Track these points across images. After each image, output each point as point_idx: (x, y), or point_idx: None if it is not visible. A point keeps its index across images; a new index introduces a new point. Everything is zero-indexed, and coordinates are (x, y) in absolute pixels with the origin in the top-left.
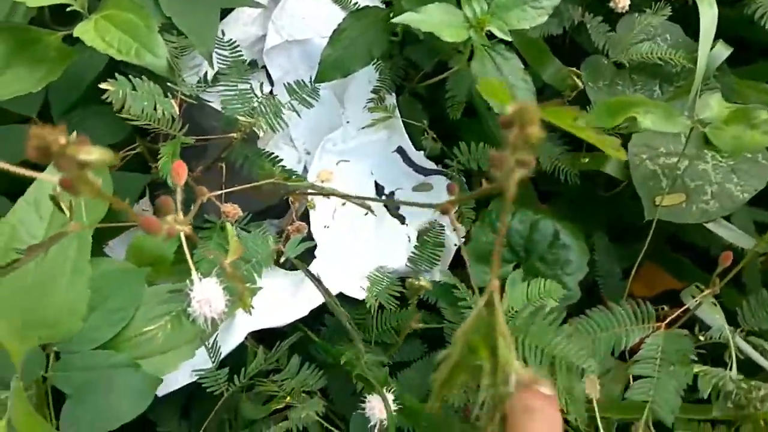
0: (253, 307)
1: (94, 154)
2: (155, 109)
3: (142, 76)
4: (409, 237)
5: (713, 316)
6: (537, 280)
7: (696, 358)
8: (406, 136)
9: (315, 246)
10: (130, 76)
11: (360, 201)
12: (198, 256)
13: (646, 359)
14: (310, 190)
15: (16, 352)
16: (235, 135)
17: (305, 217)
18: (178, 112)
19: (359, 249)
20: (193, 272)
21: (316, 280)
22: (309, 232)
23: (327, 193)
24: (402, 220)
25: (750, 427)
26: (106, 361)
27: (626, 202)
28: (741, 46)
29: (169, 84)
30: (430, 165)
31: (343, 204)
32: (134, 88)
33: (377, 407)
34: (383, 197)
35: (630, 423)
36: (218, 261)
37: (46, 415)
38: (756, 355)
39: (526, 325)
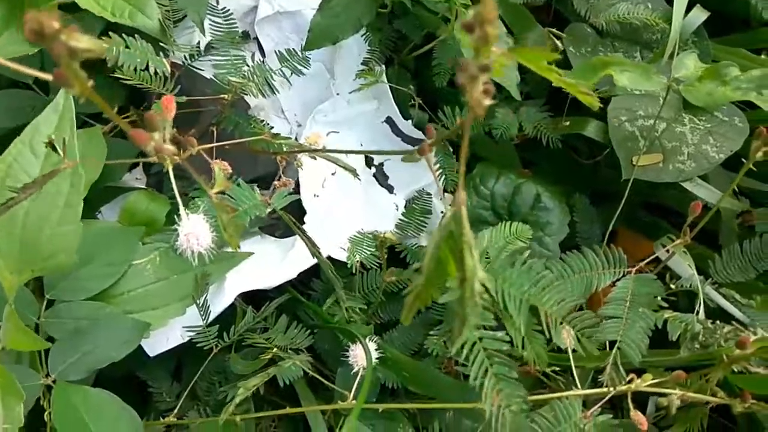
0: (239, 246)
1: (83, 42)
2: (148, 68)
3: (135, 35)
4: (397, 206)
5: (684, 265)
6: (504, 222)
7: (666, 305)
8: (395, 106)
9: (304, 214)
10: (123, 35)
11: (344, 163)
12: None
13: (616, 300)
14: (298, 149)
15: (10, 285)
16: (226, 96)
17: (295, 187)
18: (169, 70)
19: (348, 217)
20: (181, 208)
21: (300, 229)
22: (298, 202)
23: (314, 150)
24: (391, 189)
25: (717, 371)
26: (97, 311)
27: (606, 171)
28: (719, 20)
29: (161, 45)
30: (418, 135)
31: (333, 173)
32: (127, 46)
33: (360, 355)
34: (372, 168)
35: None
36: (205, 194)
37: (36, 359)
38: (725, 303)
39: (503, 269)
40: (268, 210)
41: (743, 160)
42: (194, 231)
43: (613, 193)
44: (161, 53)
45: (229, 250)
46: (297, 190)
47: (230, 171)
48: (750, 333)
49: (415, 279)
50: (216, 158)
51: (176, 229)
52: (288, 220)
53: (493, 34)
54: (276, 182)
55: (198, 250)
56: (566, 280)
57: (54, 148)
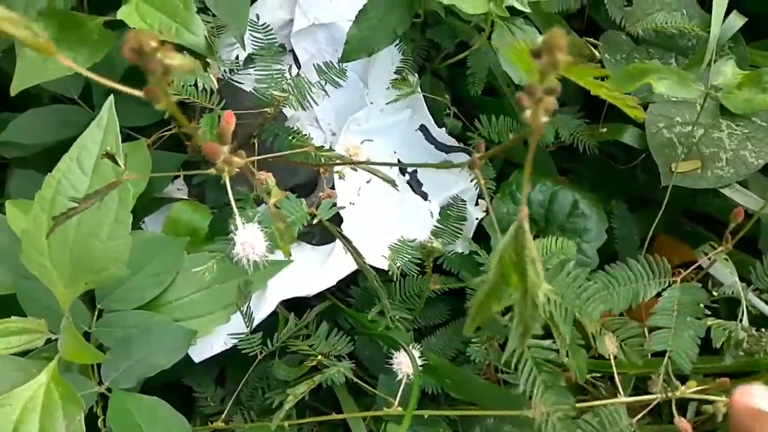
0: (290, 254)
1: (177, 59)
2: (196, 84)
3: (184, 52)
4: (431, 212)
5: (726, 272)
6: (550, 237)
7: (709, 313)
8: (429, 114)
9: (341, 221)
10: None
11: (383, 174)
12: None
13: (663, 311)
14: (338, 160)
15: (65, 298)
16: (268, 110)
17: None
18: (216, 86)
19: (383, 224)
20: (237, 217)
21: (344, 238)
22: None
23: (354, 163)
24: (425, 196)
25: (762, 379)
26: (146, 320)
27: (643, 176)
28: (754, 23)
29: (207, 60)
30: (452, 142)
31: (368, 181)
32: None
33: (404, 362)
34: (406, 175)
35: (647, 378)
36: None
37: (88, 368)
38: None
39: (549, 280)
40: (314, 221)
41: None
42: (250, 240)
43: (650, 199)
44: (207, 68)
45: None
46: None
47: (273, 181)
48: None
49: (478, 290)
50: (259, 170)
51: (232, 238)
52: (334, 230)
53: (562, 61)
54: (321, 194)
55: (253, 258)
56: (612, 291)
57: (114, 160)
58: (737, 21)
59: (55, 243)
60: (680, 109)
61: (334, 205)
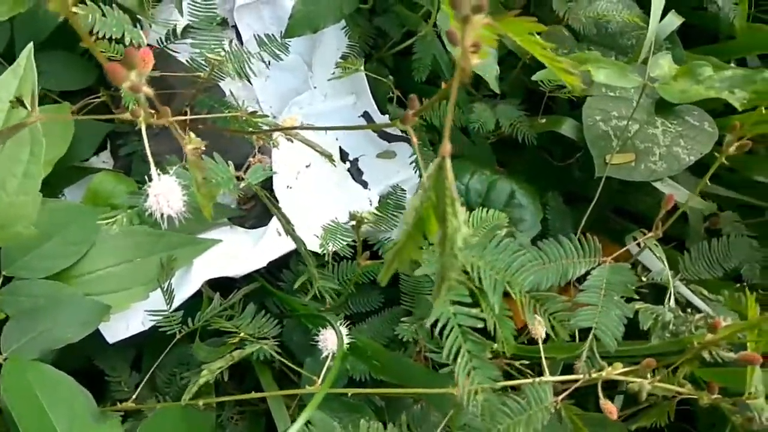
0: (212, 214)
1: None
2: (123, 40)
3: (114, 5)
4: (370, 201)
5: (654, 259)
6: (480, 209)
7: (638, 298)
8: (373, 101)
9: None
10: (100, 3)
11: (321, 149)
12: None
13: (591, 288)
14: (273, 128)
15: None
16: (201, 74)
17: (268, 180)
18: (146, 42)
19: (321, 209)
20: (152, 167)
21: (278, 209)
22: (273, 193)
23: (289, 128)
24: (365, 185)
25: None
26: (55, 291)
27: (579, 174)
28: (691, 32)
29: (139, 19)
30: (395, 130)
31: (308, 166)
32: (104, 15)
33: (330, 339)
34: (347, 162)
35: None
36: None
37: None
38: (693, 297)
39: (479, 248)
40: (242, 185)
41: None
42: (165, 192)
43: (586, 195)
44: (138, 26)
45: (200, 236)
46: (270, 180)
47: (204, 147)
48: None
49: (396, 238)
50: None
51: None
52: (263, 196)
53: None
54: (251, 159)
55: (168, 213)
56: (542, 267)
57: (22, 104)
58: (674, 20)
59: None
60: (617, 104)
61: (265, 170)
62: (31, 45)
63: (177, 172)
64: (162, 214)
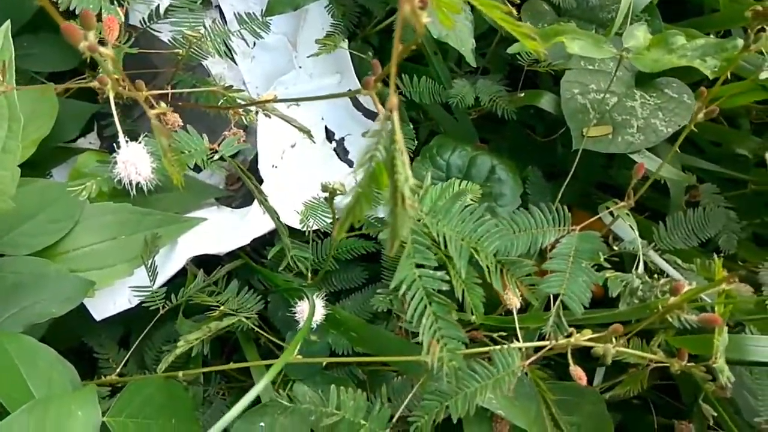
0: (183, 184)
1: None
2: (101, 17)
3: None
4: (356, 179)
5: (627, 228)
6: (453, 180)
7: (609, 266)
8: (357, 80)
9: (261, 183)
10: None
11: (299, 125)
12: None
13: (560, 255)
14: (250, 102)
15: None
16: (180, 51)
17: (255, 158)
18: (123, 19)
19: (305, 188)
20: (120, 134)
21: (258, 190)
22: (257, 173)
23: (263, 102)
24: (350, 164)
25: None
26: (40, 267)
27: (561, 150)
28: (675, 6)
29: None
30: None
31: (293, 146)
32: None
33: (306, 310)
34: (333, 142)
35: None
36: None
37: None
38: (666, 266)
39: (445, 212)
40: (216, 157)
41: (694, 130)
42: (132, 159)
43: (566, 171)
44: (116, 3)
45: (186, 215)
46: (256, 160)
47: (180, 123)
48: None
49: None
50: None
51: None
52: (234, 164)
53: None
54: (226, 132)
55: (137, 180)
56: (513, 236)
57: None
58: None
59: None
60: (595, 77)
61: (240, 143)
62: (8, 22)
63: (147, 140)
64: (131, 181)
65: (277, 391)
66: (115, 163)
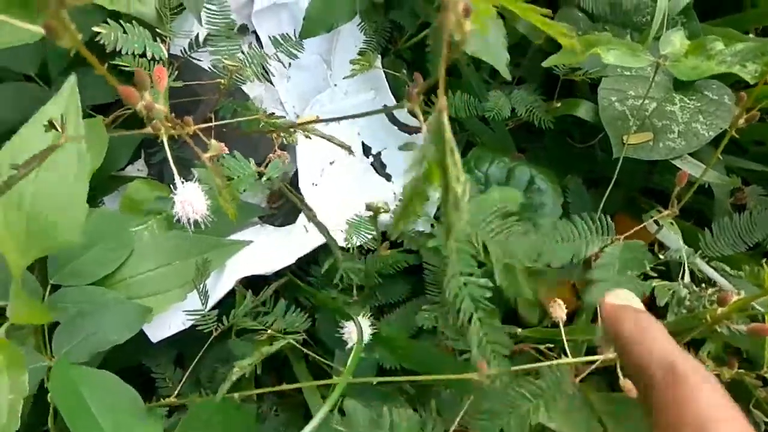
0: (235, 214)
1: None
2: (145, 54)
3: (133, 22)
4: (395, 193)
5: (672, 236)
6: (494, 187)
7: (655, 275)
8: (391, 95)
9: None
10: (121, 21)
11: (339, 141)
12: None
13: (604, 265)
14: (291, 125)
15: (17, 265)
16: (222, 81)
17: (294, 176)
18: (166, 55)
19: (346, 204)
20: (176, 175)
21: (305, 204)
22: (297, 189)
23: (309, 123)
24: (388, 178)
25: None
26: (100, 296)
27: (601, 155)
28: (712, 2)
29: (159, 33)
30: (414, 122)
31: (331, 163)
32: (125, 32)
33: (354, 331)
34: (370, 157)
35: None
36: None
37: (41, 342)
38: (713, 273)
39: (488, 224)
40: (263, 179)
41: (735, 136)
42: (189, 198)
43: (608, 177)
44: (158, 40)
45: (231, 238)
46: (297, 179)
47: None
48: (734, 294)
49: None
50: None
51: (172, 198)
52: (283, 188)
53: None
54: (271, 155)
55: (194, 218)
56: (555, 246)
57: (53, 126)
58: None
59: (10, 208)
60: (633, 83)
61: (291, 178)
62: (74, 77)
63: (200, 176)
64: (188, 219)
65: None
66: (173, 203)
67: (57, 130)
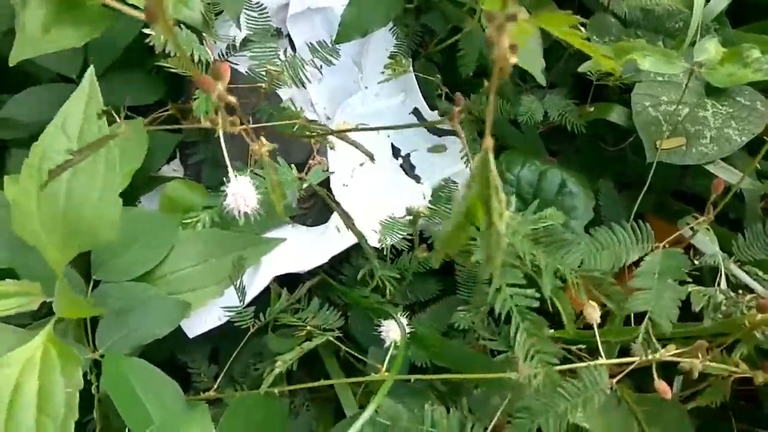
0: (284, 212)
1: None
2: (192, 56)
3: (181, 26)
4: (424, 195)
5: (707, 242)
6: (535, 204)
7: (691, 281)
8: (422, 97)
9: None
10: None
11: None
12: None
13: (645, 273)
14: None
15: (57, 262)
16: (263, 85)
17: (326, 179)
18: (212, 58)
19: (376, 206)
20: (230, 168)
21: (340, 208)
22: (328, 187)
23: (345, 131)
24: (418, 179)
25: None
26: (141, 292)
27: (632, 158)
28: (743, 7)
29: (203, 36)
30: (445, 125)
31: (362, 164)
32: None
33: (392, 329)
34: (399, 158)
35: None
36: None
37: (82, 336)
38: (747, 279)
39: (531, 241)
40: (305, 185)
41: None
42: (241, 191)
43: (639, 180)
44: (203, 42)
45: (266, 236)
46: (328, 180)
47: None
48: None
49: (444, 225)
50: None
51: (224, 191)
52: (329, 200)
53: None
54: (311, 161)
55: (245, 210)
56: (595, 254)
57: (108, 115)
58: (721, 0)
59: (46, 208)
60: (666, 89)
61: (324, 171)
62: (92, 68)
63: (250, 173)
64: (239, 211)
65: (359, 402)
66: (226, 195)
67: (114, 118)
